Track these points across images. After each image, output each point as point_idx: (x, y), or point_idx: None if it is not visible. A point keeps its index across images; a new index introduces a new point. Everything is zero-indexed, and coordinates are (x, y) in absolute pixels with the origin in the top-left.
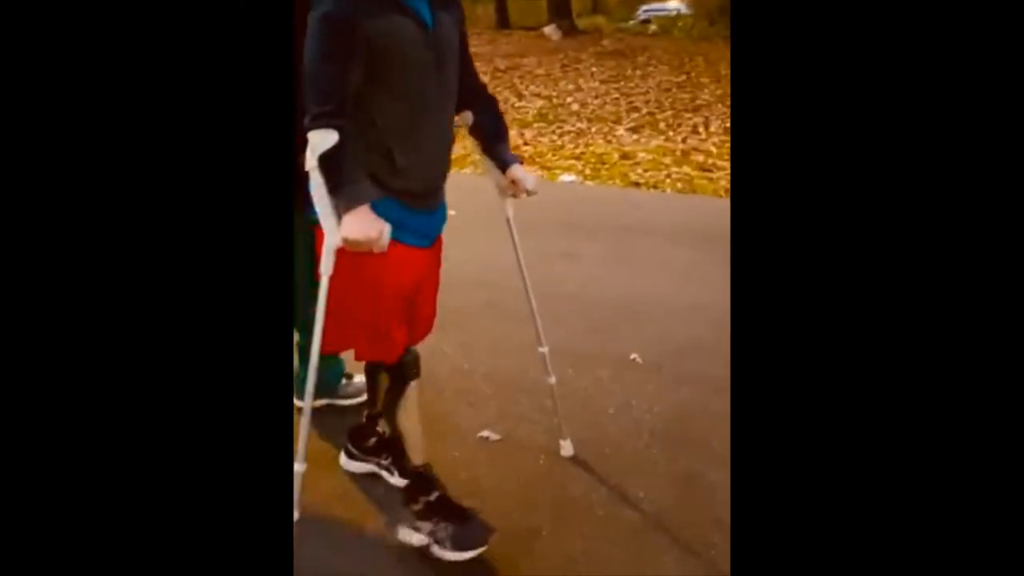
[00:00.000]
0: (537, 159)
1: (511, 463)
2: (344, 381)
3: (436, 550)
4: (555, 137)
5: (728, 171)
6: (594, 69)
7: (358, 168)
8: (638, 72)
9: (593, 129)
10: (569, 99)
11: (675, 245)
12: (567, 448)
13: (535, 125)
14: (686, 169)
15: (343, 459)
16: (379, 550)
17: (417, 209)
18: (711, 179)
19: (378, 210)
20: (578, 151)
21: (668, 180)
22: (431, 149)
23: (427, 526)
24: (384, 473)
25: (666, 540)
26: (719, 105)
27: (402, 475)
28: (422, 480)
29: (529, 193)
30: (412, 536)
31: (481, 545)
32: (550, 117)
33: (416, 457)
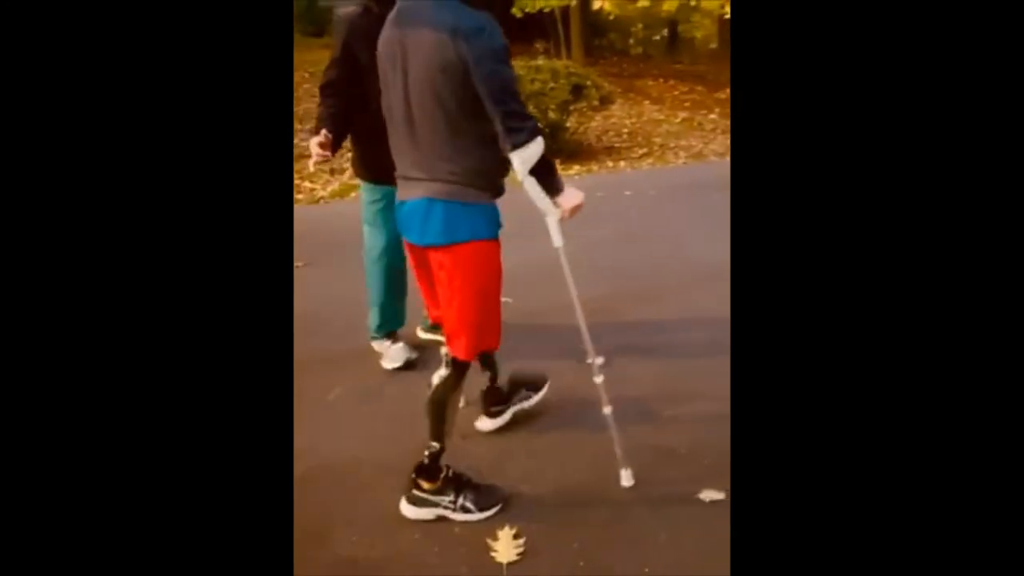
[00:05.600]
0: None
1: None
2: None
3: (459, 516)
4: None
5: None
6: None
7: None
8: None
9: None
10: None
11: None
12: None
13: None
14: None
15: (483, 423)
16: None
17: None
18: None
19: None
20: None
21: None
22: None
23: (445, 499)
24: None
25: None
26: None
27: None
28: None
29: None
30: (423, 512)
31: (501, 502)
32: None
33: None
